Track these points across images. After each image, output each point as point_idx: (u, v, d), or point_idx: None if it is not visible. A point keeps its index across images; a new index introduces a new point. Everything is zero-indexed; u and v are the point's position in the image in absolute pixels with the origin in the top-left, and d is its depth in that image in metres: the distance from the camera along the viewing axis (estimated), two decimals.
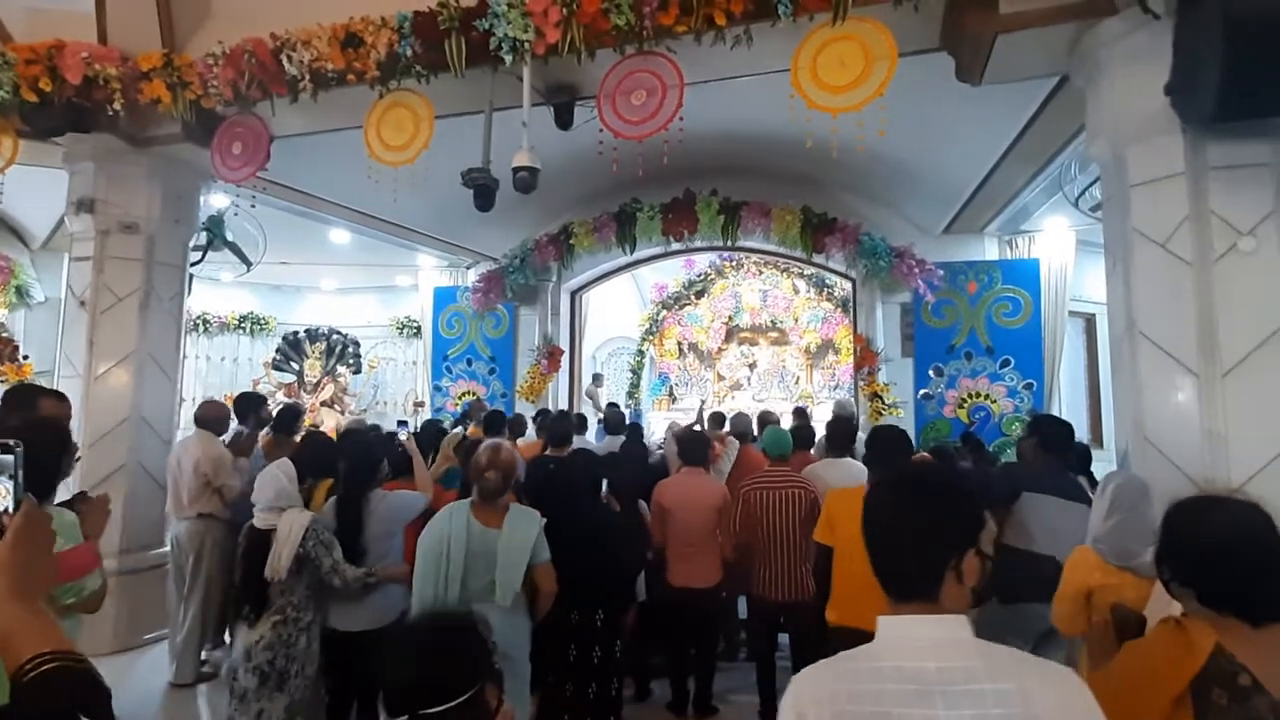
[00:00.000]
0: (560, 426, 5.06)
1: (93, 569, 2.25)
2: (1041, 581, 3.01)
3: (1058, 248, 7.06)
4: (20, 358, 8.26)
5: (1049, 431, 3.56)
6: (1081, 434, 7.10)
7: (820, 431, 5.31)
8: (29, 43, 4.52)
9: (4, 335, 8.32)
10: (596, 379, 10.85)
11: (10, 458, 1.25)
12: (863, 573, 2.97)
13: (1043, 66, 3.79)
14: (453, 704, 1.31)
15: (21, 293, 8.40)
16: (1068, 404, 7.48)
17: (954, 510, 1.30)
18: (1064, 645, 3.27)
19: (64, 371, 5.26)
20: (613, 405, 7.50)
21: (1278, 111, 2.97)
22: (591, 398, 10.27)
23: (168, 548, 4.87)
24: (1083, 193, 5.58)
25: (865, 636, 3.05)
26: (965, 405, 6.93)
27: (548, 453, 4.88)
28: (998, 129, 4.95)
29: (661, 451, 5.55)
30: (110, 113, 4.59)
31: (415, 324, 10.65)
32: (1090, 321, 7.81)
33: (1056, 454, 3.48)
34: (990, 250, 7.32)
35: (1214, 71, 2.67)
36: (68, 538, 2.20)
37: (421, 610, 1.54)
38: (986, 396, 6.88)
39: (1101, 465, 4.02)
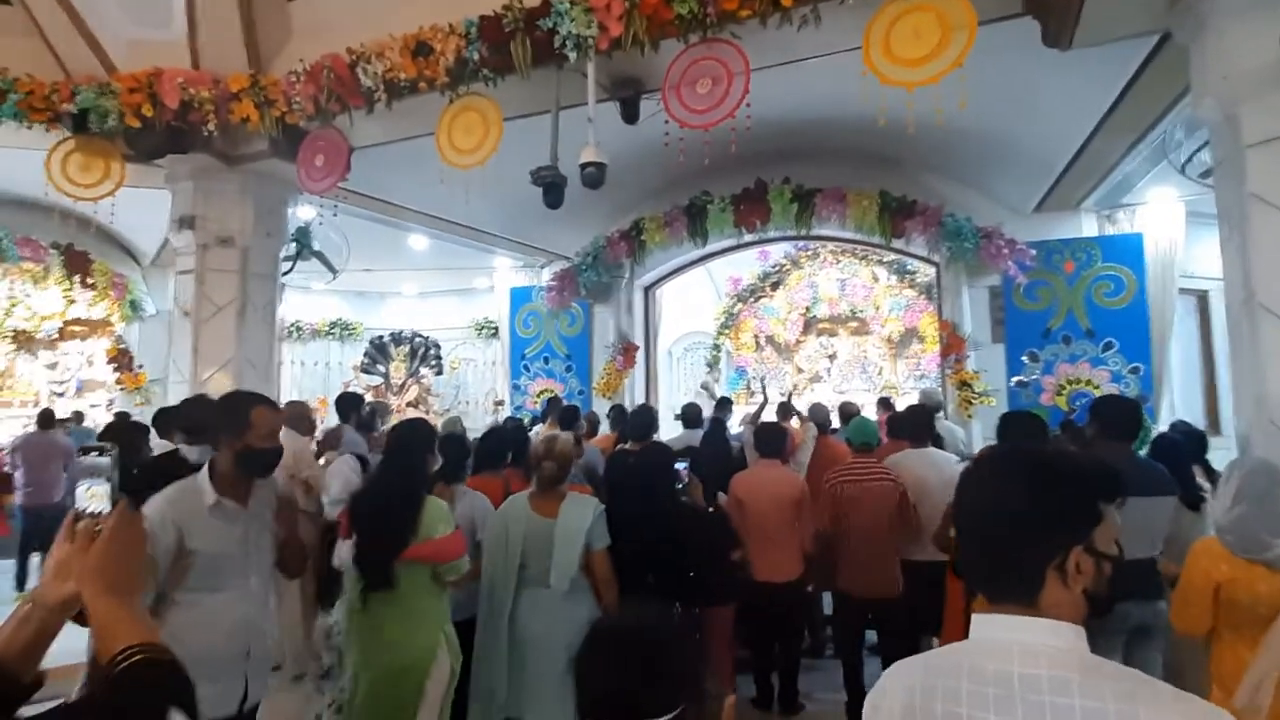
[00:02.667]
0: (639, 420, 5.06)
1: (464, 553, 2.88)
2: (1125, 581, 2.83)
3: (1164, 220, 6.54)
4: (136, 367, 8.91)
5: (1109, 416, 3.17)
6: (1197, 421, 6.58)
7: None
8: (130, 71, 4.83)
9: (121, 347, 8.99)
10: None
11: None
12: None
13: (1139, 24, 3.50)
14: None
15: (135, 306, 9.06)
16: (1180, 388, 6.95)
17: (1056, 496, 1.05)
18: (1162, 645, 3.04)
19: (174, 378, 5.62)
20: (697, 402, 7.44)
21: None
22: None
23: None
24: (1190, 158, 5.15)
25: None
26: (1064, 392, 6.53)
27: (626, 446, 4.88)
28: (1092, 96, 4.63)
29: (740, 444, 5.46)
30: (205, 133, 4.87)
31: (493, 324, 10.90)
32: (1203, 299, 7.23)
33: (1122, 440, 3.11)
34: (1088, 227, 6.87)
35: None
36: (446, 524, 2.85)
37: (638, 616, 1.45)
38: (1088, 382, 6.46)
39: (1219, 453, 3.69)
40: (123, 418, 7.20)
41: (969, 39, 3.26)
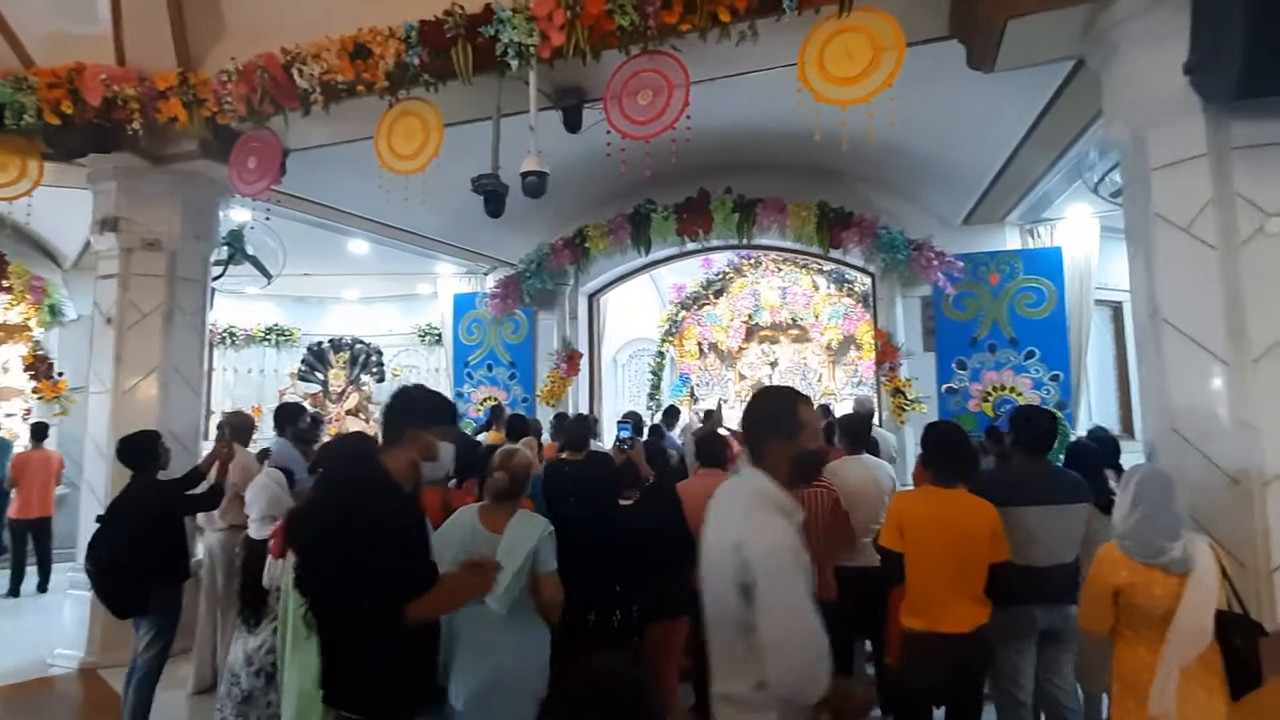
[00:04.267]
0: (575, 430, 5.06)
1: None
2: (1035, 586, 3.00)
3: (1080, 235, 6.90)
4: (55, 374, 8.47)
5: (1024, 430, 3.26)
6: (1112, 425, 6.94)
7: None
8: (50, 66, 4.63)
9: (39, 353, 8.54)
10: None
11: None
12: (933, 576, 2.95)
13: (1056, 50, 3.71)
14: None
15: (54, 311, 8.62)
16: (1096, 395, 7.33)
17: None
18: (1072, 648, 3.19)
19: (94, 387, 5.38)
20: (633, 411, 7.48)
21: None
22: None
23: (198, 559, 4.96)
24: (1103, 178, 5.46)
25: (942, 639, 3.03)
26: (990, 398, 6.80)
27: (564, 456, 4.88)
28: (1014, 116, 4.86)
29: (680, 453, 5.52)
30: (130, 132, 4.69)
31: (436, 331, 10.75)
32: (1117, 310, 7.63)
33: (1037, 451, 3.22)
34: (1012, 240, 7.19)
35: (1236, 47, 2.60)
36: None
37: (594, 664, 1.45)
38: (1012, 389, 6.75)
39: (1133, 457, 3.91)
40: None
41: (898, 60, 3.41)
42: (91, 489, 5.24)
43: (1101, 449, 3.97)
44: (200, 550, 5.03)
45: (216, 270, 6.01)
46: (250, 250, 6.49)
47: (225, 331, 10.84)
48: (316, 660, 2.34)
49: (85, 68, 4.56)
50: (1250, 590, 2.68)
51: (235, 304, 10.64)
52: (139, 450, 3.82)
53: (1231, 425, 2.87)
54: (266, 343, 11.27)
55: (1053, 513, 3.07)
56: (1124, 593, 2.38)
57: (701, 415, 6.89)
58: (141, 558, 3.58)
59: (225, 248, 6.13)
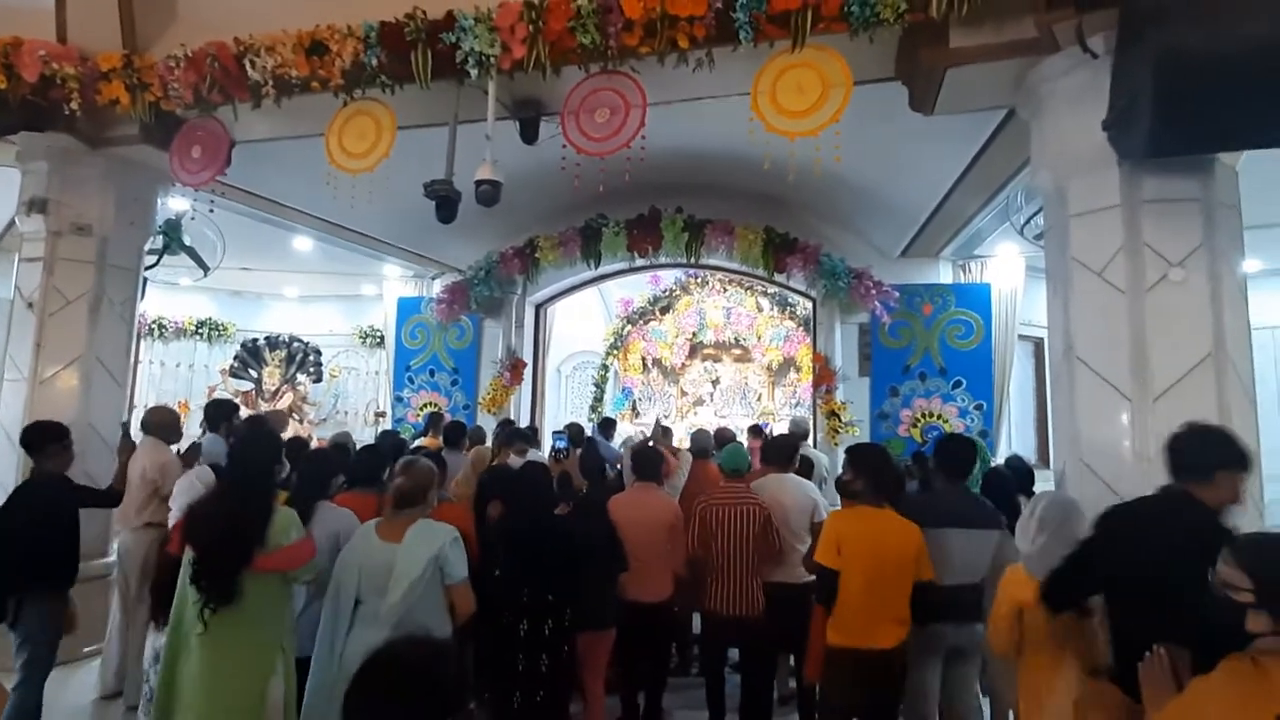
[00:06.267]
0: (518, 434, 5.07)
1: (315, 554, 2.83)
2: (945, 605, 3.16)
3: (1008, 273, 7.30)
4: None
5: (945, 457, 3.46)
6: (1029, 454, 7.29)
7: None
8: None
9: None
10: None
11: None
12: (864, 594, 3.10)
13: (991, 99, 3.94)
14: None
15: None
16: (1016, 425, 7.70)
17: None
18: (977, 665, 3.38)
19: (9, 375, 5.12)
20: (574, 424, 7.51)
21: (1206, 149, 3.15)
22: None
23: (113, 558, 4.75)
24: (1028, 221, 5.79)
25: (866, 655, 3.17)
26: (919, 425, 7.09)
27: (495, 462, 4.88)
28: (950, 158, 5.12)
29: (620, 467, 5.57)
30: (67, 112, 4.52)
31: (378, 334, 10.56)
32: (1039, 345, 8.04)
33: (956, 477, 3.42)
34: (945, 274, 7.53)
35: (1147, 108, 2.81)
36: (298, 532, 2.80)
37: (397, 637, 1.49)
38: (939, 416, 7.05)
39: (1046, 484, 4.14)
40: None
41: (845, 97, 3.57)
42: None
43: (1016, 476, 4.21)
44: (112, 550, 4.82)
45: (150, 259, 5.81)
46: (187, 241, 6.30)
47: (154, 323, 10.41)
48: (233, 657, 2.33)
49: (23, 43, 4.38)
50: None
51: (166, 295, 10.25)
52: (41, 432, 3.63)
53: (1132, 457, 3.08)
54: (198, 337, 10.85)
55: (969, 536, 3.24)
56: (1027, 612, 2.53)
57: (658, 431, 6.95)
58: (12, 557, 3.31)
59: (161, 237, 5.93)
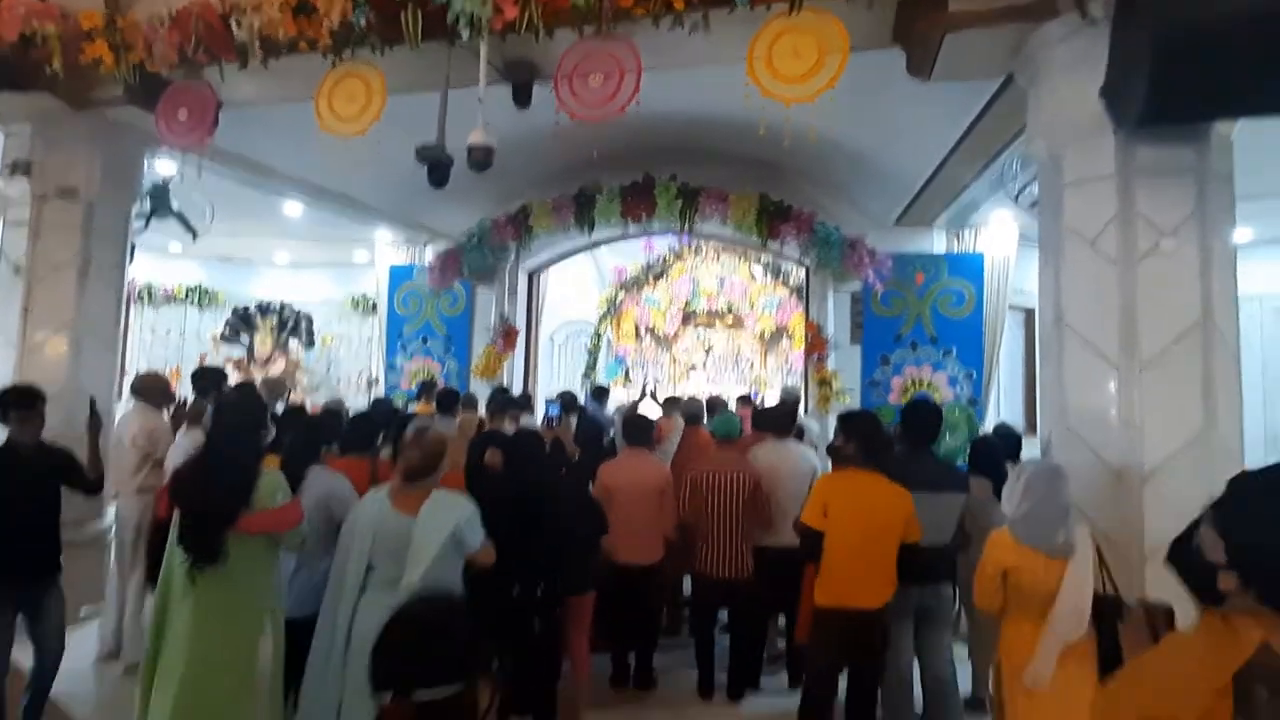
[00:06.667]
0: (512, 402, 5.09)
1: (303, 519, 2.85)
2: (915, 567, 3.23)
3: (1000, 242, 7.29)
4: None
5: (911, 421, 3.54)
6: (1018, 422, 7.37)
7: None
8: None
9: None
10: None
11: None
12: (850, 555, 3.16)
13: (988, 66, 3.89)
14: (448, 692, 1.30)
15: None
16: (1005, 393, 7.77)
17: None
18: (948, 623, 3.48)
19: None
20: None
21: (1200, 117, 3.14)
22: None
23: (110, 521, 4.79)
24: (1022, 189, 5.77)
25: (853, 615, 3.25)
26: (909, 393, 7.14)
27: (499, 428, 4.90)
28: (946, 124, 5.08)
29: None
30: (49, 73, 4.43)
31: (371, 300, 10.50)
32: (1030, 315, 8.05)
33: (922, 442, 3.49)
34: (938, 243, 7.51)
35: (1142, 76, 2.80)
36: (284, 494, 2.80)
37: (422, 593, 1.57)
38: (929, 385, 7.10)
39: (1033, 451, 4.20)
40: None
41: (841, 63, 3.52)
42: None
43: (1004, 443, 4.26)
44: (109, 514, 4.85)
45: (139, 224, 5.74)
46: (176, 206, 6.23)
47: (144, 289, 10.33)
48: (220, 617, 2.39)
49: (3, 0, 4.27)
50: (1123, 573, 2.95)
51: (156, 261, 10.14)
52: (21, 391, 3.49)
53: (1119, 425, 3.12)
54: (189, 302, 10.78)
55: (936, 500, 3.31)
56: (1011, 574, 2.60)
57: (668, 404, 6.93)
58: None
59: (149, 201, 5.86)
